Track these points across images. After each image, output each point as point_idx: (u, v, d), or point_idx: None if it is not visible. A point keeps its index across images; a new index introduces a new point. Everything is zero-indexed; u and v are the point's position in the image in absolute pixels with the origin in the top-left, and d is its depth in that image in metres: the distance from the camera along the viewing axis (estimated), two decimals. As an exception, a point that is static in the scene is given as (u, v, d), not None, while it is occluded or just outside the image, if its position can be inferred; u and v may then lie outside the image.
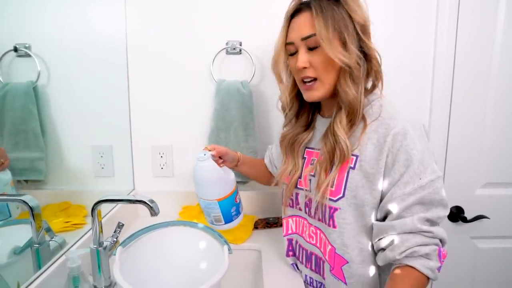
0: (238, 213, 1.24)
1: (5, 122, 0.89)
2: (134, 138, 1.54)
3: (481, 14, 1.48)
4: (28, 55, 0.95)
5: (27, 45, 0.94)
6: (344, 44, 0.90)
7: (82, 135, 1.23)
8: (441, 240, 0.86)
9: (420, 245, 0.83)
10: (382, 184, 0.89)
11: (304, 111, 1.10)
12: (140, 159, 1.56)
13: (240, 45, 1.47)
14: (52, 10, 1.06)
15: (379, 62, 0.95)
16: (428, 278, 0.83)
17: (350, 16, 0.90)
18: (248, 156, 1.37)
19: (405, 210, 0.85)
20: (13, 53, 0.90)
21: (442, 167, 1.57)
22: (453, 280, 1.65)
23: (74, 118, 1.18)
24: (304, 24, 0.93)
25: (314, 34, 0.90)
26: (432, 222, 0.85)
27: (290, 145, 1.10)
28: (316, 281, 1.06)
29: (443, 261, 0.85)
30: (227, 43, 1.47)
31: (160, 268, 1.05)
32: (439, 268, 0.84)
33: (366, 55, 0.93)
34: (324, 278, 1.01)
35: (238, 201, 1.23)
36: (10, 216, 0.89)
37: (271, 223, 1.46)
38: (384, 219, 0.90)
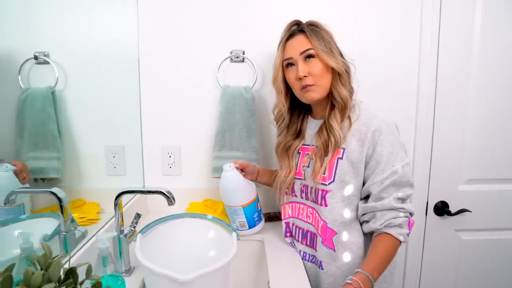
0: (259, 219, 1.33)
1: (25, 124, 0.89)
2: (144, 139, 1.55)
3: (461, 19, 1.52)
4: (47, 62, 0.95)
5: (46, 53, 0.94)
6: (333, 55, 1.10)
7: (96, 136, 1.24)
8: (410, 213, 1.06)
9: (395, 218, 1.03)
10: (363, 170, 1.08)
11: (293, 121, 1.26)
12: (150, 159, 1.57)
13: (243, 54, 1.50)
14: (69, 20, 1.07)
15: (351, 72, 1.16)
16: (400, 242, 1.03)
17: (329, 37, 1.13)
18: (264, 168, 1.43)
19: (382, 191, 1.04)
20: (33, 60, 0.90)
21: (428, 166, 1.60)
22: (439, 270, 1.68)
23: (89, 120, 1.18)
24: (300, 42, 1.12)
25: (311, 48, 1.10)
26: (403, 199, 1.05)
27: (285, 151, 1.24)
28: (309, 254, 1.20)
29: (411, 228, 1.07)
30: (231, 52, 1.50)
31: (173, 255, 1.08)
32: (408, 234, 1.05)
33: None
34: (316, 251, 1.17)
35: (259, 208, 1.33)
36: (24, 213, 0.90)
37: (272, 217, 1.49)
38: (366, 197, 1.11)
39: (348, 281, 0.93)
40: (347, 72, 1.13)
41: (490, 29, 1.52)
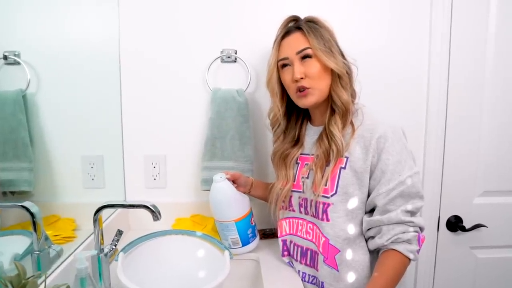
0: (254, 235, 1.32)
1: (-7, 131, 0.88)
2: (126, 147, 1.55)
3: (474, 16, 1.54)
4: (18, 63, 0.94)
5: (16, 53, 0.93)
6: (332, 55, 1.10)
7: (72, 145, 1.23)
8: (420, 228, 1.06)
9: (403, 233, 1.02)
10: (368, 181, 1.07)
11: (291, 127, 1.26)
12: (132, 170, 1.56)
13: (235, 53, 1.51)
14: (43, 17, 1.06)
15: (353, 73, 1.16)
16: (409, 259, 1.02)
17: (330, 35, 1.13)
18: (258, 180, 1.43)
19: (389, 203, 1.03)
20: (2, 60, 0.89)
21: (439, 177, 1.61)
22: (453, 291, 1.68)
23: (65, 127, 1.18)
24: (297, 41, 1.13)
25: (308, 47, 1.10)
26: (412, 212, 1.05)
27: (282, 160, 1.25)
28: (309, 275, 1.19)
29: (421, 244, 1.06)
30: (222, 52, 1.51)
31: (159, 276, 1.08)
32: (418, 251, 1.04)
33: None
34: (317, 270, 1.15)
35: (253, 223, 1.32)
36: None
37: (268, 234, 1.49)
38: (371, 211, 1.10)
39: None
40: (348, 73, 1.14)
41: (506, 26, 1.53)
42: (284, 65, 1.15)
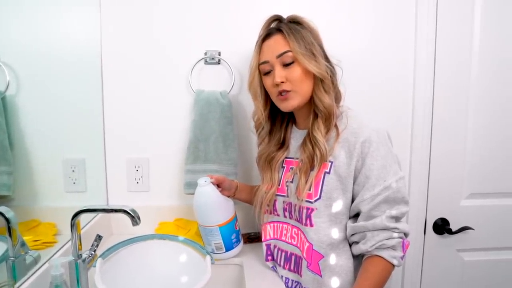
0: (238, 240, 1.33)
1: (-30, 134, 0.87)
2: (108, 150, 1.55)
3: (459, 17, 1.57)
4: None
5: None
6: (314, 58, 1.10)
7: (52, 148, 1.23)
8: (404, 234, 1.06)
9: (388, 239, 1.02)
10: (352, 186, 1.07)
11: (276, 130, 1.27)
12: (114, 173, 1.56)
13: (219, 55, 1.52)
14: (22, 18, 1.06)
15: (337, 75, 1.17)
16: (393, 265, 1.03)
17: (312, 35, 1.12)
18: (243, 183, 1.44)
19: (373, 209, 1.03)
20: (-20, 62, 0.89)
21: (426, 179, 1.63)
22: (440, 295, 1.69)
23: (45, 129, 1.18)
24: (277, 44, 1.12)
25: (289, 51, 1.10)
26: (397, 218, 1.05)
27: (267, 163, 1.26)
28: (292, 280, 1.19)
29: (406, 250, 1.06)
30: (205, 53, 1.51)
31: (140, 283, 1.07)
32: (402, 257, 1.05)
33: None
34: (301, 276, 1.15)
35: (238, 228, 1.33)
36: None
37: (252, 238, 1.50)
38: (355, 215, 1.10)
39: None
40: (331, 77, 1.13)
41: (491, 27, 1.56)
42: (266, 72, 1.16)
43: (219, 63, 1.52)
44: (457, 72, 1.58)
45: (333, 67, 1.15)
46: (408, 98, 1.60)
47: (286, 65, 1.11)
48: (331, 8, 1.53)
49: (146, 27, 1.50)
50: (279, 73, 1.11)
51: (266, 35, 1.15)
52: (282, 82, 1.10)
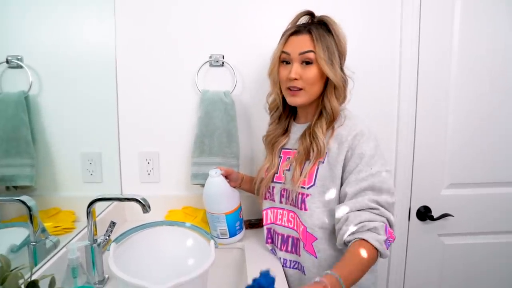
0: (241, 227, 1.33)
1: (-3, 130, 0.88)
2: (122, 145, 1.54)
3: (439, 28, 1.56)
4: (20, 67, 0.94)
5: (19, 57, 0.94)
6: (332, 66, 1.08)
7: (72, 143, 1.23)
8: (388, 221, 1.00)
9: (369, 221, 0.97)
10: (341, 173, 1.06)
11: (284, 116, 1.26)
12: (127, 165, 1.56)
13: (223, 58, 1.51)
14: (43, 23, 1.07)
15: (348, 84, 1.14)
16: (377, 252, 0.95)
17: (336, 45, 1.09)
18: (247, 175, 1.44)
19: (359, 193, 1.01)
20: (5, 64, 0.90)
21: (410, 170, 1.63)
22: (423, 275, 1.70)
23: (65, 126, 1.18)
24: (303, 42, 1.09)
25: (311, 51, 1.07)
26: (380, 204, 1.00)
27: (271, 145, 1.25)
28: (290, 261, 1.19)
29: (391, 240, 0.98)
30: (210, 56, 1.51)
31: (150, 265, 1.07)
32: (386, 243, 0.96)
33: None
34: (299, 256, 1.15)
35: (241, 217, 1.34)
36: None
37: (253, 224, 1.49)
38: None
39: (317, 279, 0.83)
40: (344, 86, 1.12)
41: (469, 29, 1.55)
42: (284, 61, 1.13)
43: (222, 66, 1.51)
44: (439, 70, 1.57)
45: (346, 77, 1.13)
46: (394, 95, 1.59)
47: (304, 63, 1.09)
48: (325, 9, 1.51)
49: (156, 33, 1.49)
50: (296, 69, 1.09)
51: (295, 31, 1.11)
52: (296, 79, 1.09)
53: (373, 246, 0.93)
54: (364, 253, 0.92)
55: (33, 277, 0.82)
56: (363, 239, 0.94)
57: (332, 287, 0.82)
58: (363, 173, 1.01)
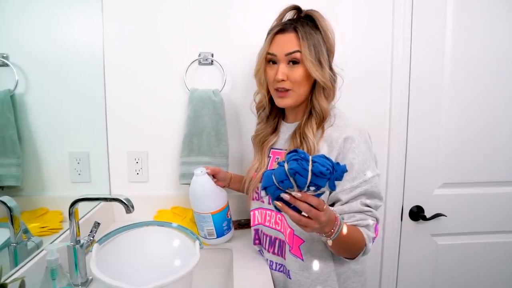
0: (229, 228, 1.32)
1: (-19, 129, 0.86)
2: (110, 144, 1.55)
3: (432, 22, 1.57)
4: (6, 65, 0.95)
5: (4, 55, 0.94)
6: (320, 66, 1.06)
7: (59, 142, 1.23)
8: (376, 219, 1.04)
9: (363, 220, 1.01)
10: None
11: (273, 115, 1.25)
12: (116, 165, 1.56)
13: (212, 56, 1.51)
14: (29, 21, 1.07)
15: (337, 82, 1.14)
16: (364, 245, 0.99)
17: (324, 42, 1.08)
18: (237, 174, 1.43)
19: (352, 199, 1.02)
20: (-10, 62, 0.88)
21: (402, 170, 1.63)
22: (415, 275, 1.71)
23: (52, 125, 1.18)
24: (289, 42, 1.07)
25: (298, 51, 1.05)
26: (371, 206, 1.04)
27: (260, 144, 1.24)
28: (276, 263, 1.18)
29: (375, 236, 1.04)
30: (199, 55, 1.51)
31: (136, 266, 1.07)
32: (373, 239, 1.03)
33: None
34: (284, 259, 1.14)
35: (229, 217, 1.32)
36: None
37: (243, 224, 1.50)
38: (331, 205, 1.05)
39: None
40: (333, 85, 1.11)
41: (462, 30, 1.56)
42: (271, 61, 1.11)
43: (212, 64, 1.51)
44: (431, 71, 1.58)
45: (335, 75, 1.12)
46: (386, 94, 1.60)
47: (291, 63, 1.08)
48: (316, 8, 1.51)
49: (145, 31, 1.49)
50: (282, 70, 1.07)
51: (281, 29, 1.09)
52: (283, 80, 1.08)
53: (363, 238, 0.99)
54: (360, 235, 0.99)
55: (12, 278, 0.83)
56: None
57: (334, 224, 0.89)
58: (357, 180, 1.02)
